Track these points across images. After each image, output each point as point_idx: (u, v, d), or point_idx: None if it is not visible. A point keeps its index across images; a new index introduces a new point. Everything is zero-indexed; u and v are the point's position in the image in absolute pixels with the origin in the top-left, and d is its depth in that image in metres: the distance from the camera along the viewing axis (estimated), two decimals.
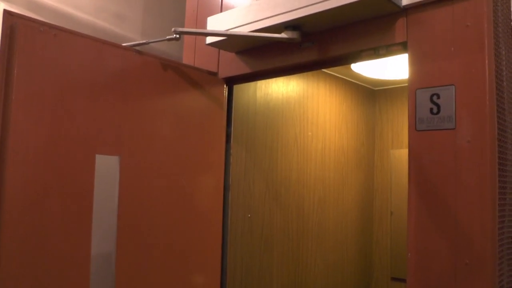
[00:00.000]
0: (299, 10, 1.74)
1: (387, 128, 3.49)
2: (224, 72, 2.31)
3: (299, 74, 2.87)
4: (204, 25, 2.21)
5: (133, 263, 1.87)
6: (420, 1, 1.58)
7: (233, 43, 2.11)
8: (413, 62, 1.60)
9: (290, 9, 1.77)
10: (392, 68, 2.76)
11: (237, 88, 2.41)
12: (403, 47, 1.67)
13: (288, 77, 2.81)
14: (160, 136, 2.00)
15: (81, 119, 1.71)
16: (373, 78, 3.22)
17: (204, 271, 2.18)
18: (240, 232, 2.46)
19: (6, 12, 1.56)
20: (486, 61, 1.43)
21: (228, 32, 1.97)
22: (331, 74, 3.15)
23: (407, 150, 1.61)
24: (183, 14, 2.59)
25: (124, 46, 1.91)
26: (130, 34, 3.21)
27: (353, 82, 3.37)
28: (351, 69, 2.97)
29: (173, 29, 1.90)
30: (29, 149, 1.56)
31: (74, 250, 1.67)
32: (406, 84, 1.63)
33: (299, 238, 2.83)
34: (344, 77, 3.27)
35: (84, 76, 1.73)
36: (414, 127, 1.58)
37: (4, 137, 1.52)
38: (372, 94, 3.58)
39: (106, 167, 1.78)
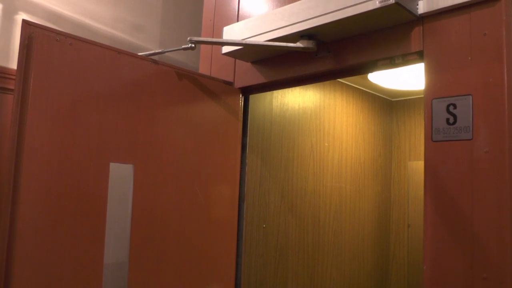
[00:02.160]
0: (314, 19, 1.73)
1: (405, 139, 3.45)
2: (240, 82, 2.31)
3: (315, 84, 2.86)
4: (220, 35, 2.21)
5: (146, 272, 1.86)
6: (436, 10, 1.56)
7: (249, 52, 2.11)
8: (429, 72, 1.58)
9: (305, 18, 1.77)
10: (409, 78, 2.74)
11: (253, 98, 2.41)
12: (419, 56, 1.65)
13: (305, 87, 2.80)
14: (175, 145, 2.00)
15: (96, 127, 1.72)
16: (390, 89, 3.19)
17: (218, 282, 2.17)
18: (255, 242, 2.45)
19: (24, 22, 1.58)
20: (505, 70, 1.41)
21: (243, 42, 1.97)
22: (348, 85, 3.14)
23: None
24: (201, 24, 2.60)
25: (140, 55, 1.93)
26: (148, 45, 3.24)
27: (370, 93, 3.34)
28: (368, 80, 2.95)
29: (188, 38, 1.90)
30: (44, 157, 1.57)
31: (87, 259, 1.67)
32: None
33: (314, 249, 2.80)
34: (361, 88, 3.25)
35: (99, 85, 1.74)
36: (430, 138, 1.55)
37: (20, 145, 1.53)
38: (390, 105, 3.55)
39: (120, 176, 1.78)
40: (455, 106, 1.49)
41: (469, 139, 1.46)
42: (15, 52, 2.44)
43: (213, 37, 2.47)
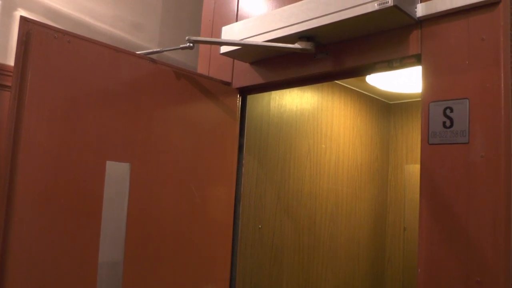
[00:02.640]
0: (313, 21, 1.74)
1: (402, 142, 3.46)
2: (238, 82, 2.31)
3: (313, 86, 2.86)
4: (219, 35, 2.21)
5: (141, 272, 1.86)
6: (435, 13, 1.56)
7: (247, 53, 2.11)
8: (426, 75, 1.58)
9: (304, 20, 1.77)
10: (408, 81, 2.74)
11: (251, 98, 2.41)
12: (417, 59, 1.65)
13: (303, 88, 2.80)
14: (171, 144, 2.00)
15: (93, 125, 1.72)
16: (388, 92, 3.20)
17: (213, 282, 2.17)
18: (250, 243, 2.45)
19: (22, 19, 1.58)
20: (502, 75, 1.41)
21: (241, 42, 1.97)
22: (346, 87, 3.14)
23: None
24: (200, 24, 2.60)
25: (138, 54, 1.92)
26: (147, 44, 3.24)
27: (368, 96, 3.35)
28: (366, 82, 2.95)
29: (187, 37, 1.90)
30: (41, 154, 1.57)
31: (82, 257, 1.67)
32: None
33: (310, 251, 2.80)
34: (359, 90, 3.25)
35: (97, 83, 1.74)
36: (427, 141, 1.55)
37: (17, 142, 1.52)
38: (387, 108, 3.55)
39: (117, 174, 1.78)
40: (452, 110, 1.49)
41: (465, 143, 1.46)
42: (13, 48, 2.44)
43: (212, 37, 2.47)
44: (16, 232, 1.50)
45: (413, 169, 3.31)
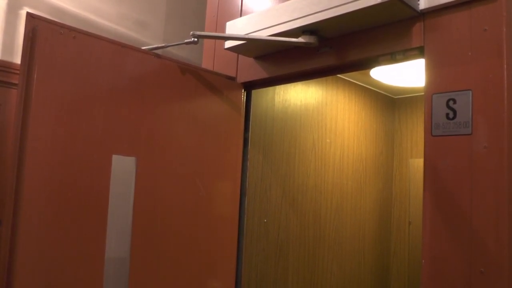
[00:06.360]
0: (316, 15, 1.74)
1: (407, 137, 3.46)
2: (242, 77, 2.32)
3: (317, 81, 2.87)
4: (224, 30, 2.23)
5: (147, 267, 1.87)
6: (437, 6, 1.57)
7: (251, 47, 2.12)
8: (429, 67, 1.59)
9: (307, 14, 1.78)
10: (411, 75, 2.74)
11: (255, 93, 2.42)
12: (419, 52, 1.66)
13: (307, 83, 2.81)
14: (177, 139, 2.01)
15: (99, 119, 1.73)
16: (392, 86, 3.19)
17: (218, 276, 2.18)
18: (255, 237, 2.46)
19: (28, 15, 1.60)
20: (504, 66, 1.41)
21: (246, 36, 1.98)
22: (350, 81, 3.14)
23: None
24: (204, 21, 2.61)
25: (143, 49, 1.94)
26: (152, 41, 3.26)
27: (373, 90, 3.35)
28: (370, 77, 2.95)
29: (191, 32, 1.92)
30: (48, 150, 1.59)
31: (88, 252, 1.68)
32: None
33: (315, 245, 2.81)
34: (364, 85, 3.25)
35: (102, 78, 1.76)
36: (430, 133, 1.56)
37: (24, 137, 1.54)
38: (392, 103, 3.55)
39: (123, 168, 1.79)
40: (455, 101, 1.50)
41: (469, 134, 1.47)
42: (19, 47, 2.46)
43: (216, 32, 2.48)
44: (23, 227, 1.52)
45: (418, 163, 3.31)
